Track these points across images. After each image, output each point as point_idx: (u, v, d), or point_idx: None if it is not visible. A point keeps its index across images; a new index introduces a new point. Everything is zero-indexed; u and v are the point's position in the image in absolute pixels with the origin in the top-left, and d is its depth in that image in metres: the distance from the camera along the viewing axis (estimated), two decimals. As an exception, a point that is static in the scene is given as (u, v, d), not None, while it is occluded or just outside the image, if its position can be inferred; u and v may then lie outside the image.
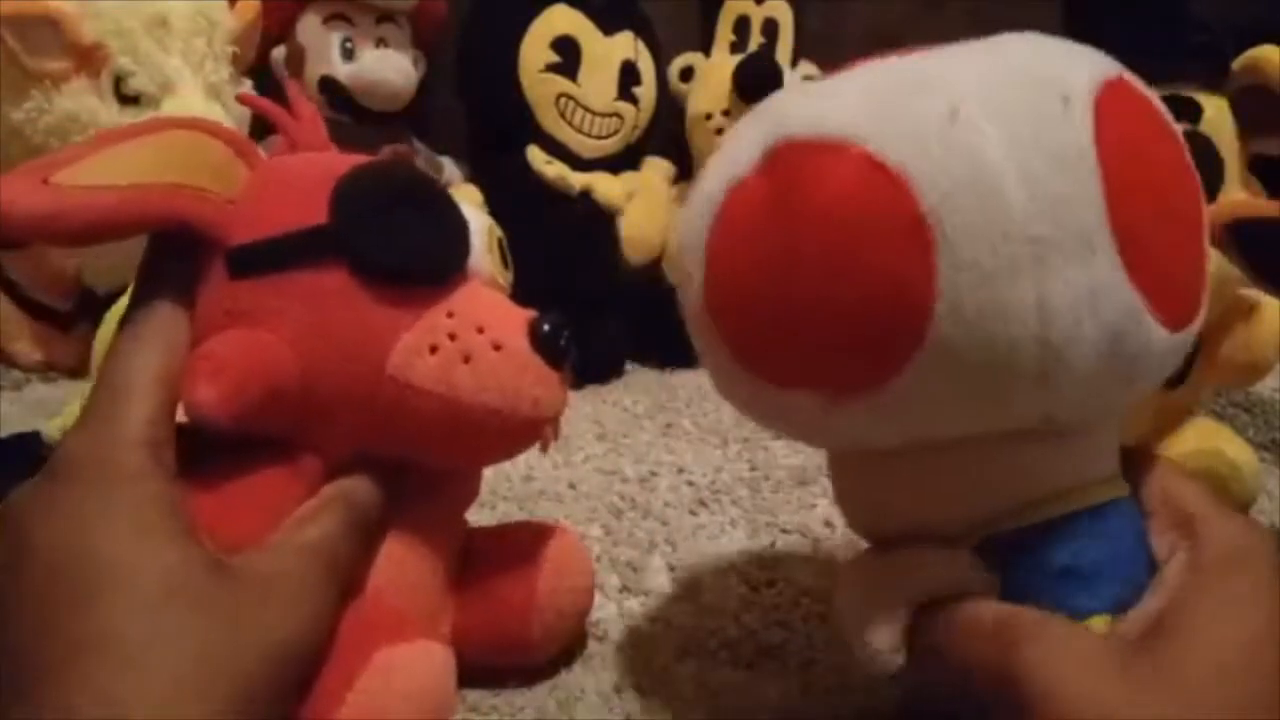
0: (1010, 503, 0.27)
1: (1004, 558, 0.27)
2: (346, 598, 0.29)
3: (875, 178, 0.24)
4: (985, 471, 0.27)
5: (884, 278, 0.24)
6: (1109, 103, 0.25)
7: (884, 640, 0.27)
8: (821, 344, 0.26)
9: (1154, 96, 0.27)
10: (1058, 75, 0.25)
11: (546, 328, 0.33)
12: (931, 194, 0.23)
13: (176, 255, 0.30)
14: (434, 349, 0.31)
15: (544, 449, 0.34)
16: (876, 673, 0.28)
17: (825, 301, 0.25)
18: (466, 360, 0.31)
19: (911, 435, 0.27)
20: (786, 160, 0.26)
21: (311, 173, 0.32)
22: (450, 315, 0.31)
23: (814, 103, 0.26)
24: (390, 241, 0.30)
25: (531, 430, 0.33)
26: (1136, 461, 0.29)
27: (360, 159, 0.33)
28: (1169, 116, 0.27)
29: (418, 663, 0.29)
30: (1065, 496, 0.27)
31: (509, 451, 0.34)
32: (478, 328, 0.32)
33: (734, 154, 0.28)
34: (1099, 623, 0.26)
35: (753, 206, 0.26)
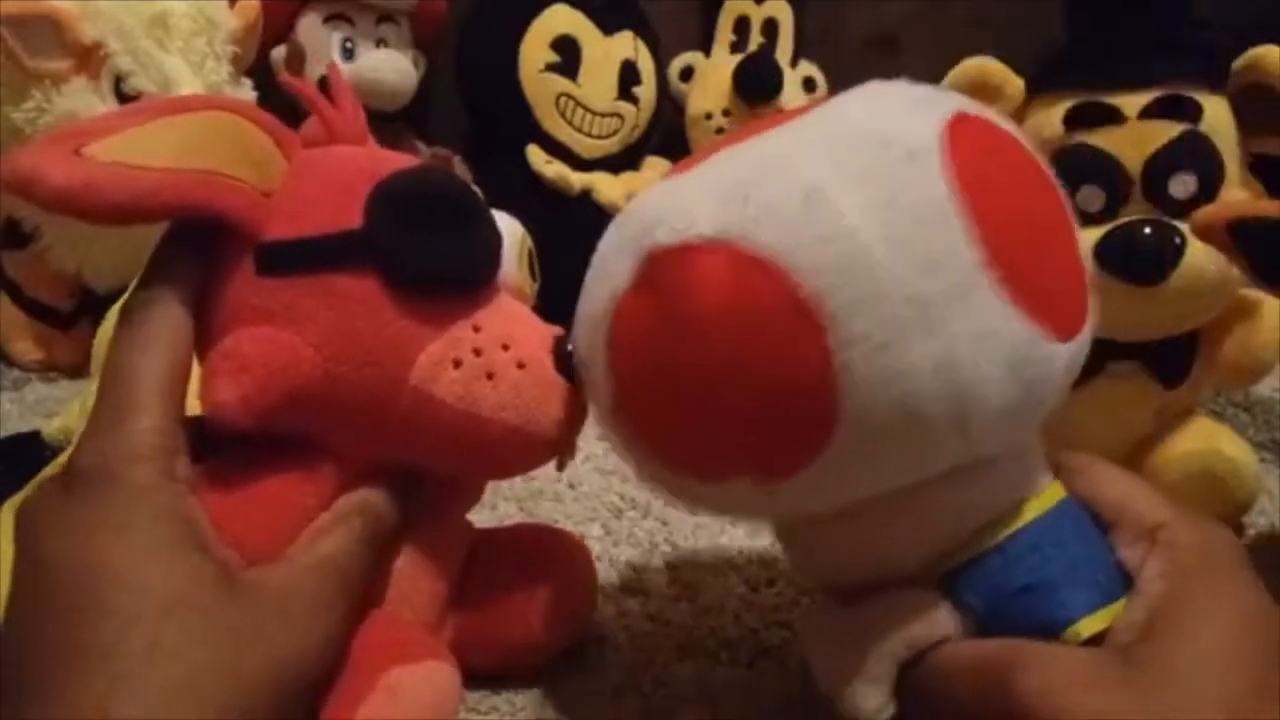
0: (959, 536, 0.27)
1: (966, 589, 0.27)
2: (360, 612, 0.29)
3: (751, 272, 0.24)
4: (929, 512, 0.27)
5: (784, 368, 0.24)
6: (957, 143, 0.25)
7: (874, 699, 0.27)
8: (740, 439, 0.26)
9: (996, 117, 0.27)
10: (898, 131, 0.25)
11: (571, 347, 0.32)
12: (809, 277, 0.23)
13: (193, 247, 0.29)
14: (458, 363, 0.30)
15: (560, 467, 0.34)
16: None
17: (733, 401, 0.25)
18: (490, 377, 0.31)
19: (851, 498, 0.27)
20: (660, 269, 0.26)
21: (349, 171, 0.31)
22: (476, 329, 0.31)
23: (675, 205, 0.26)
24: (423, 252, 0.30)
25: (549, 448, 0.33)
26: (1085, 471, 0.29)
27: (398, 161, 0.32)
28: (1017, 131, 0.27)
29: (424, 686, 0.29)
30: (1009, 517, 0.27)
31: (525, 468, 0.34)
32: (503, 344, 0.31)
33: (608, 269, 0.28)
34: (1082, 628, 0.26)
35: (638, 321, 0.27)
